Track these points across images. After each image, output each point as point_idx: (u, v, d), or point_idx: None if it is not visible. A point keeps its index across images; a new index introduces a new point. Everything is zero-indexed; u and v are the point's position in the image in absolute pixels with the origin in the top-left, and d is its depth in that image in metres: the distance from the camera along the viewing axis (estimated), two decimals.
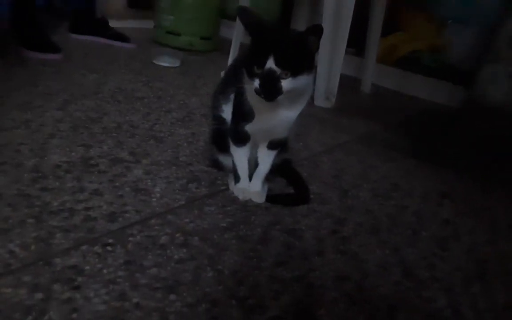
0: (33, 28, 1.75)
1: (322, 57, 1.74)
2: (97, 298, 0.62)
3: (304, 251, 0.84)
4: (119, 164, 1.02)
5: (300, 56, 0.77)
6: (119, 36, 2.18)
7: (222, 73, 1.90)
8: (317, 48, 0.79)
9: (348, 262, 0.83)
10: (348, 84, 2.11)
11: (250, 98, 0.84)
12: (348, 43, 1.77)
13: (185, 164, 1.08)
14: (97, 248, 0.73)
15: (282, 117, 0.85)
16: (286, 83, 0.76)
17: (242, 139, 0.92)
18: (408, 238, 0.95)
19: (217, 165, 1.06)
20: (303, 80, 0.78)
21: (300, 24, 2.26)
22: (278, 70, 0.75)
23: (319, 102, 1.78)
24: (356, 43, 2.14)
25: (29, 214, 0.77)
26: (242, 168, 0.96)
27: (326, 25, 1.71)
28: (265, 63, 0.75)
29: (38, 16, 1.80)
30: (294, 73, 0.76)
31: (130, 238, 0.77)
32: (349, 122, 1.69)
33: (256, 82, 0.77)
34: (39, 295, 0.61)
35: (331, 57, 1.75)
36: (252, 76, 0.77)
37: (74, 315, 0.59)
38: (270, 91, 0.77)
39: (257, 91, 0.77)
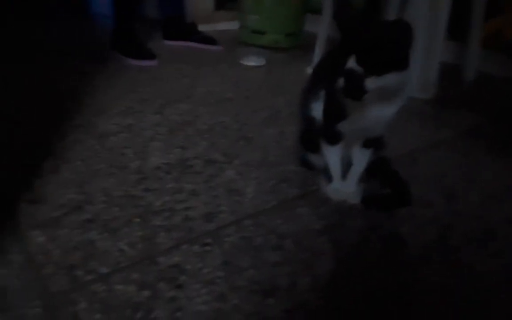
0: (131, 37, 1.90)
1: (418, 43, 1.60)
2: (198, 298, 0.64)
3: (407, 259, 0.77)
4: (213, 165, 1.04)
5: (385, 54, 0.71)
6: (207, 39, 2.26)
7: (308, 69, 1.87)
8: (410, 42, 0.71)
9: (459, 273, 0.74)
10: (448, 72, 1.93)
11: (341, 96, 0.79)
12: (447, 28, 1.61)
13: (275, 164, 1.08)
14: (196, 248, 0.75)
15: (377, 115, 0.79)
16: (370, 83, 0.72)
17: (335, 138, 0.88)
18: None
19: (307, 165, 1.03)
20: (392, 78, 0.72)
21: (392, 8, 2.12)
22: (359, 69, 0.71)
23: (417, 93, 1.65)
24: (456, 27, 1.94)
25: (135, 214, 0.83)
26: (335, 168, 0.92)
27: (421, 9, 1.57)
28: (346, 61, 0.72)
29: (135, 26, 1.94)
30: (378, 72, 0.71)
31: (226, 239, 0.78)
32: (451, 114, 1.54)
33: (341, 81, 0.73)
34: (146, 293, 0.64)
35: (429, 43, 1.61)
36: (338, 74, 0.74)
37: (179, 314, 0.61)
38: (353, 91, 0.73)
39: (342, 90, 0.74)
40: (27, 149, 1.04)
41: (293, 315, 0.63)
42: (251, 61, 2.01)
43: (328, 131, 0.88)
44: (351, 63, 0.72)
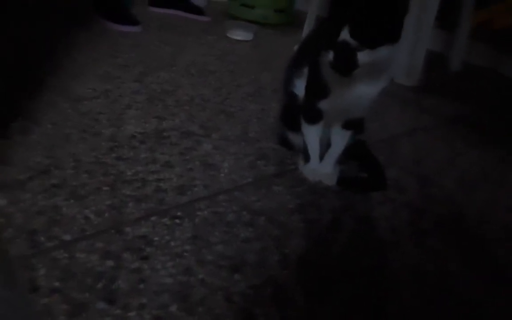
0: (114, 2, 1.82)
1: (405, 27, 1.59)
2: (164, 270, 0.63)
3: (378, 241, 0.77)
4: (190, 137, 1.02)
5: (381, 24, 0.68)
6: (195, 9, 2.20)
7: (296, 47, 1.84)
8: (406, 11, 0.69)
9: (427, 258, 0.75)
10: (435, 60, 1.93)
11: (325, 72, 0.77)
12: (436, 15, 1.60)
13: (254, 140, 1.06)
14: (166, 220, 0.73)
15: (361, 94, 0.78)
16: (362, 56, 0.69)
17: (315, 117, 0.86)
18: (500, 236, 0.84)
19: (286, 144, 1.02)
20: (384, 52, 0.70)
21: None
22: (353, 42, 0.68)
23: (401, 78, 1.64)
24: (446, 15, 1.93)
25: (104, 182, 0.80)
26: (313, 148, 0.91)
27: None
28: (339, 33, 0.68)
29: None
30: (373, 45, 0.68)
31: (198, 213, 0.77)
32: (433, 102, 1.54)
33: (330, 55, 0.70)
34: (110, 263, 0.62)
35: (417, 29, 1.59)
36: (327, 47, 0.71)
37: (141, 286, 0.59)
38: (344, 65, 0.70)
39: (331, 64, 0.71)
40: None
41: (260, 291, 0.62)
42: (238, 35, 1.97)
43: (308, 109, 0.87)
44: (344, 34, 0.68)
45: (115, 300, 0.56)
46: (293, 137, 0.98)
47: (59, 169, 0.81)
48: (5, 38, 1.48)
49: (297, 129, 0.92)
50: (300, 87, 0.87)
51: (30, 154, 0.84)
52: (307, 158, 0.93)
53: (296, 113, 0.90)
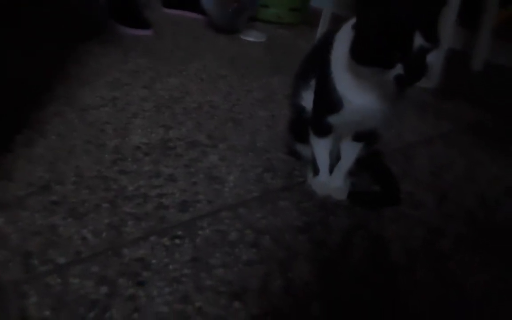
0: (127, 4, 1.81)
1: None
2: (160, 297, 0.60)
3: (391, 265, 0.73)
4: (196, 148, 0.99)
5: (437, 19, 0.62)
6: None
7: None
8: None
9: (446, 284, 0.70)
10: (455, 60, 1.84)
11: (340, 85, 0.72)
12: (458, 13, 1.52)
13: (262, 150, 1.02)
14: (165, 240, 0.70)
15: (378, 104, 0.72)
16: (432, 57, 0.62)
17: (324, 131, 0.82)
18: None
19: (294, 154, 0.98)
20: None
21: None
22: (428, 45, 0.60)
23: None
24: (468, 13, 1.84)
25: (105, 198, 0.78)
26: (323, 161, 0.87)
27: None
28: (412, 40, 0.60)
29: None
30: (439, 43, 0.61)
31: (200, 232, 0.74)
32: (454, 106, 1.46)
33: (398, 69, 0.62)
34: (104, 289, 0.60)
35: None
36: (392, 62, 0.62)
37: (135, 315, 0.57)
38: (420, 74, 0.62)
39: (399, 79, 0.62)
40: (1, 120, 0.99)
41: None
42: (251, 36, 1.93)
43: (317, 123, 0.82)
44: (418, 39, 0.59)
45: None
46: (301, 148, 0.93)
47: (60, 184, 0.80)
48: (13, 46, 1.48)
49: (305, 141, 0.88)
50: (307, 99, 0.83)
51: (32, 168, 0.83)
52: (316, 171, 0.88)
53: (303, 126, 0.85)
